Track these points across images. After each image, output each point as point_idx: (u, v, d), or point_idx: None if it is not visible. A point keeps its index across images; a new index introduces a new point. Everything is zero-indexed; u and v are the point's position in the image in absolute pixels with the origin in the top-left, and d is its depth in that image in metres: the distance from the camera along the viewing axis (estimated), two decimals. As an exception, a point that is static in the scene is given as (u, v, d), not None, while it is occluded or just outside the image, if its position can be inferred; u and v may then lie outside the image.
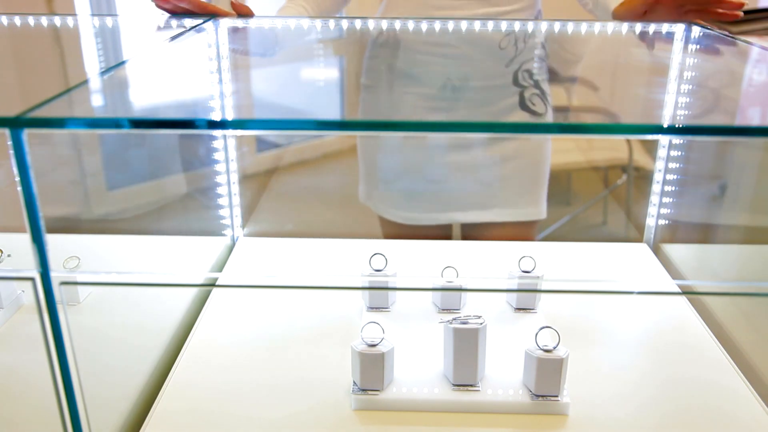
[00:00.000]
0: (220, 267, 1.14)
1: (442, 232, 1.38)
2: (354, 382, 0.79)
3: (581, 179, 3.02)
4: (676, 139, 1.15)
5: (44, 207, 0.55)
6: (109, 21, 1.22)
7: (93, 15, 2.41)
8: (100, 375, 0.71)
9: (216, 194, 1.21)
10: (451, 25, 1.17)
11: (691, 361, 0.87)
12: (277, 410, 0.78)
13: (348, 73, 1.30)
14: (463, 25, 1.17)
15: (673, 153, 1.15)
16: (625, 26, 1.09)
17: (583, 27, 1.11)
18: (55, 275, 0.58)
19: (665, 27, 1.06)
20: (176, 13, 1.08)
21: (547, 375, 0.77)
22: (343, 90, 0.93)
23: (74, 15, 2.03)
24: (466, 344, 0.78)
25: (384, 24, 1.21)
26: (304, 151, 3.50)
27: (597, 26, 1.11)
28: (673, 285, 1.11)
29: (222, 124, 0.68)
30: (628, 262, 1.14)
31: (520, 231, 1.33)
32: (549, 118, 1.27)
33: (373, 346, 0.78)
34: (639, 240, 1.21)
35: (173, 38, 0.93)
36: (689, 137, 1.13)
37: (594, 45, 1.15)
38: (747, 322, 0.93)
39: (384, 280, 0.94)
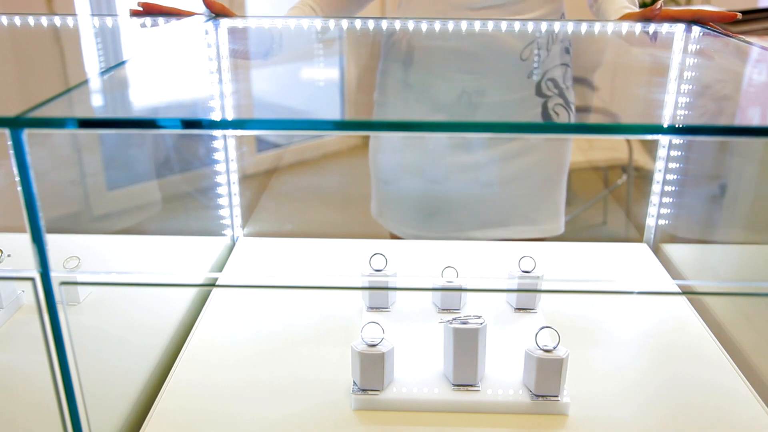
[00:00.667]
0: (220, 267, 1.14)
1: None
2: (354, 382, 0.79)
3: (581, 179, 3.02)
4: (676, 139, 1.15)
5: (44, 207, 0.55)
6: (109, 21, 1.22)
7: (93, 15, 2.41)
8: (100, 375, 0.71)
9: (216, 194, 1.21)
10: (466, 28, 1.13)
11: (691, 361, 0.87)
12: (277, 410, 0.78)
13: (348, 73, 1.29)
14: (482, 32, 1.13)
15: (673, 153, 1.15)
16: (625, 26, 1.09)
17: (597, 27, 1.09)
18: (55, 275, 0.58)
19: (665, 27, 1.06)
20: (152, 13, 1.08)
21: (547, 375, 0.77)
22: (343, 90, 0.93)
23: (74, 15, 2.03)
24: (466, 344, 0.78)
25: (396, 33, 1.18)
26: (304, 151, 3.50)
27: (597, 26, 1.11)
28: (673, 285, 1.11)
29: (222, 124, 0.68)
30: (628, 262, 1.14)
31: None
32: None
33: (373, 346, 0.78)
34: (639, 240, 1.21)
35: (173, 38, 0.93)
36: (689, 137, 1.13)
37: (594, 45, 1.15)
38: (747, 322, 0.93)
39: (384, 280, 0.94)
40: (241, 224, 1.23)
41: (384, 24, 1.15)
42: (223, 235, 1.21)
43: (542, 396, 0.77)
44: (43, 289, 0.58)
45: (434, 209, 1.29)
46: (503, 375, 0.81)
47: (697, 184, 1.19)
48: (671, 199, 1.18)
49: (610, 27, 1.09)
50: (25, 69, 1.00)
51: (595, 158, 2.79)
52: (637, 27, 1.07)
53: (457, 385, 0.79)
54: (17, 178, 0.53)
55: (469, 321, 0.78)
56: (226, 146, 1.19)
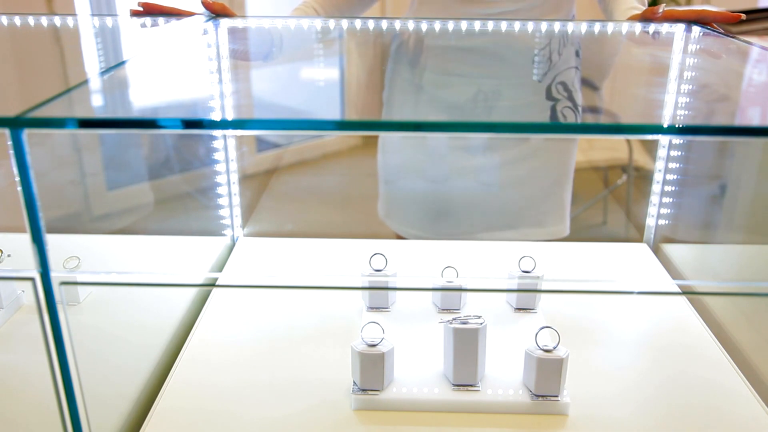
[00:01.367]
0: (220, 267, 1.14)
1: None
2: (354, 382, 0.79)
3: (581, 179, 3.02)
4: (676, 139, 1.15)
5: (44, 207, 0.55)
6: (109, 21, 1.22)
7: (93, 15, 2.41)
8: (100, 375, 0.71)
9: (216, 194, 1.21)
10: (479, 27, 1.12)
11: (691, 361, 0.87)
12: (277, 410, 0.78)
13: (348, 74, 1.29)
14: (495, 34, 1.12)
15: (673, 153, 1.15)
16: (625, 26, 1.09)
17: (608, 29, 1.09)
18: (55, 275, 0.58)
19: (665, 27, 1.06)
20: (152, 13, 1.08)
21: (547, 375, 0.77)
22: (344, 90, 0.93)
23: (74, 15, 2.03)
24: (466, 344, 0.78)
25: (407, 34, 1.17)
26: (304, 151, 3.50)
27: (597, 26, 1.11)
28: (673, 285, 1.11)
29: (222, 124, 0.68)
30: (628, 262, 1.14)
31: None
32: None
33: (373, 346, 0.78)
34: (639, 240, 1.21)
35: (173, 38, 0.93)
36: (689, 137, 1.13)
37: (594, 46, 1.15)
38: (747, 322, 0.93)
39: (384, 280, 0.94)
40: (241, 224, 1.23)
41: (390, 24, 1.15)
42: (223, 235, 1.21)
43: (542, 396, 0.77)
44: (43, 289, 0.58)
45: (441, 211, 1.29)
46: (503, 375, 0.82)
47: (697, 184, 1.19)
48: (671, 199, 1.18)
49: (620, 29, 1.09)
50: (25, 69, 1.00)
51: (595, 158, 2.79)
52: (642, 27, 1.07)
53: (457, 385, 0.79)
54: (17, 178, 0.53)
55: (469, 321, 0.78)
56: (226, 146, 1.19)
